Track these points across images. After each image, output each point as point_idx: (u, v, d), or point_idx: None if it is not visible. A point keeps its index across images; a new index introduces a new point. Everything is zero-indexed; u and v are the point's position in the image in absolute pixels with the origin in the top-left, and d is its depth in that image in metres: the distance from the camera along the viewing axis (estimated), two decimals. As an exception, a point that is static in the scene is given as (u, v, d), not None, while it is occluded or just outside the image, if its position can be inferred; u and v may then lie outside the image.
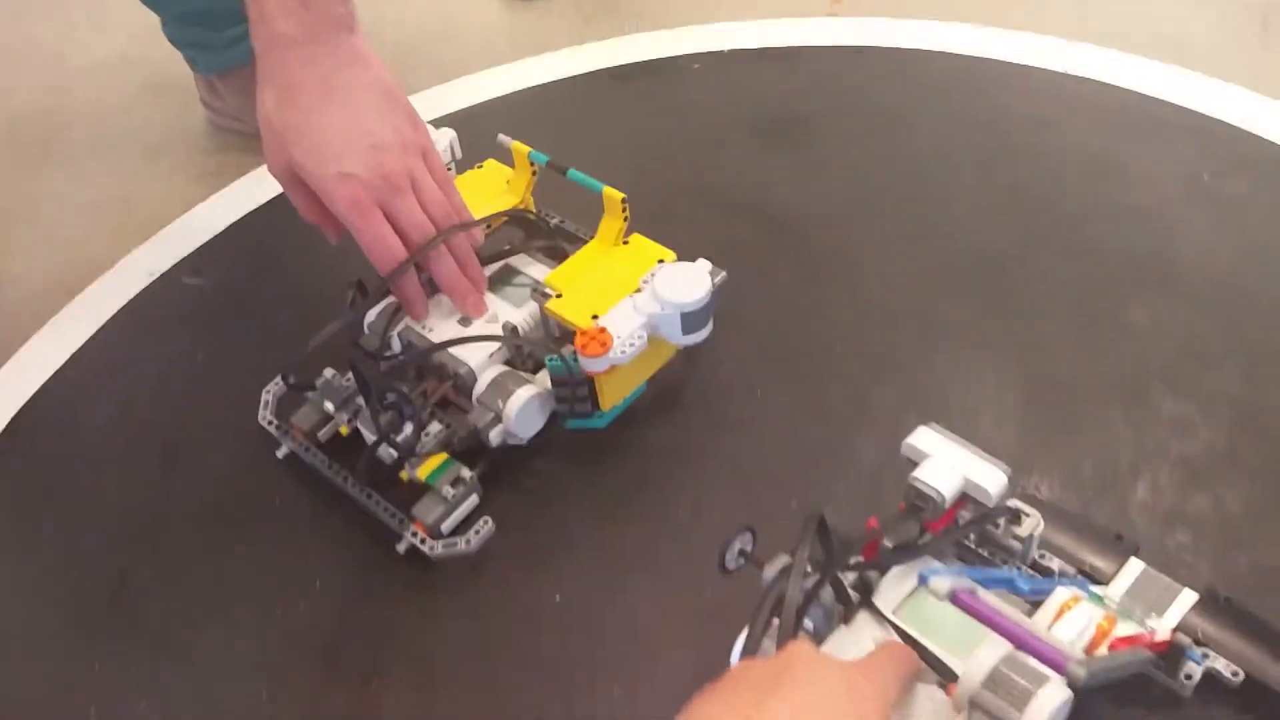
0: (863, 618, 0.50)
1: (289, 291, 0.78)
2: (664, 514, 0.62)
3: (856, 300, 0.73)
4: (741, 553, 0.50)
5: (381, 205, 0.60)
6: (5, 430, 0.71)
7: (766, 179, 0.83)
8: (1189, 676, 0.51)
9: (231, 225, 0.85)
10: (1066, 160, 0.82)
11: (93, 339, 0.77)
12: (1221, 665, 0.51)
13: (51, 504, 0.68)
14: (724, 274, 0.63)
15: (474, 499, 0.61)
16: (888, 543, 0.53)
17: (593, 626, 0.58)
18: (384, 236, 0.60)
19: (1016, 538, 0.53)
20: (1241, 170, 0.79)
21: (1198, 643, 0.51)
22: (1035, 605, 0.51)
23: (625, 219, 0.65)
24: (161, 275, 0.82)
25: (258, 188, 0.88)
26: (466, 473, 0.61)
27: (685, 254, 0.63)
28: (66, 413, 0.73)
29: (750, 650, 0.47)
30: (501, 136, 0.69)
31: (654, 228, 0.66)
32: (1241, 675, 0.51)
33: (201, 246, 0.84)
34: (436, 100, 0.92)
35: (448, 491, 0.60)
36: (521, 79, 0.94)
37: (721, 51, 0.94)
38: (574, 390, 0.61)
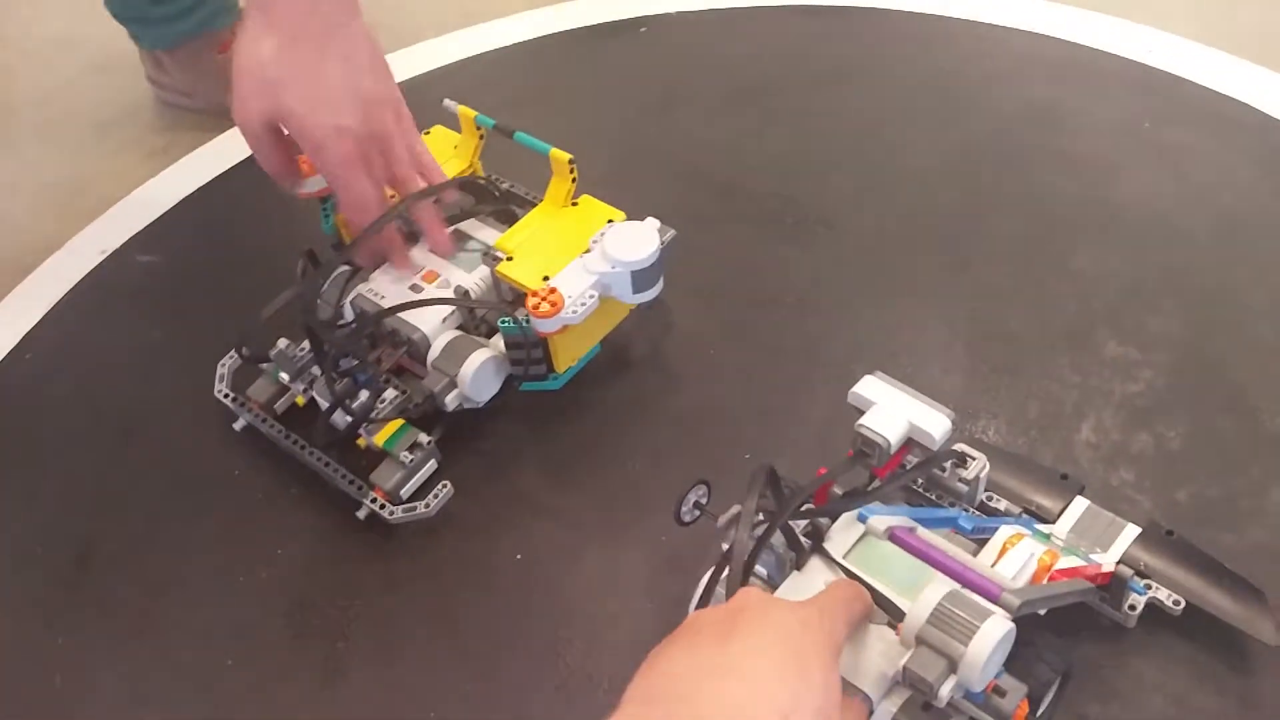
0: (815, 563, 0.51)
1: (242, 265, 0.78)
2: (621, 470, 0.63)
3: (806, 256, 0.74)
4: (697, 505, 0.51)
5: (366, 160, 0.61)
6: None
7: (715, 139, 0.83)
8: (1133, 607, 0.52)
9: (182, 201, 0.85)
10: (1013, 113, 0.83)
11: (46, 318, 0.77)
12: (1164, 595, 0.53)
13: (12, 480, 0.68)
14: (673, 232, 0.64)
15: (432, 464, 0.62)
16: (837, 490, 0.54)
17: (554, 583, 0.59)
18: (366, 193, 0.61)
19: (963, 480, 0.54)
20: (1181, 118, 0.81)
21: (1140, 575, 0.53)
22: (981, 544, 0.52)
23: (573, 180, 0.65)
24: (113, 253, 0.81)
25: (208, 163, 0.87)
26: (424, 438, 0.61)
27: (635, 215, 0.64)
28: (23, 392, 0.73)
29: (705, 601, 0.48)
30: (447, 102, 0.69)
31: (605, 190, 0.66)
32: (1183, 604, 0.52)
33: (153, 223, 0.83)
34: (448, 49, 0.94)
35: (405, 457, 0.60)
36: (470, 46, 0.94)
37: (670, 14, 0.94)
38: (529, 352, 0.62)
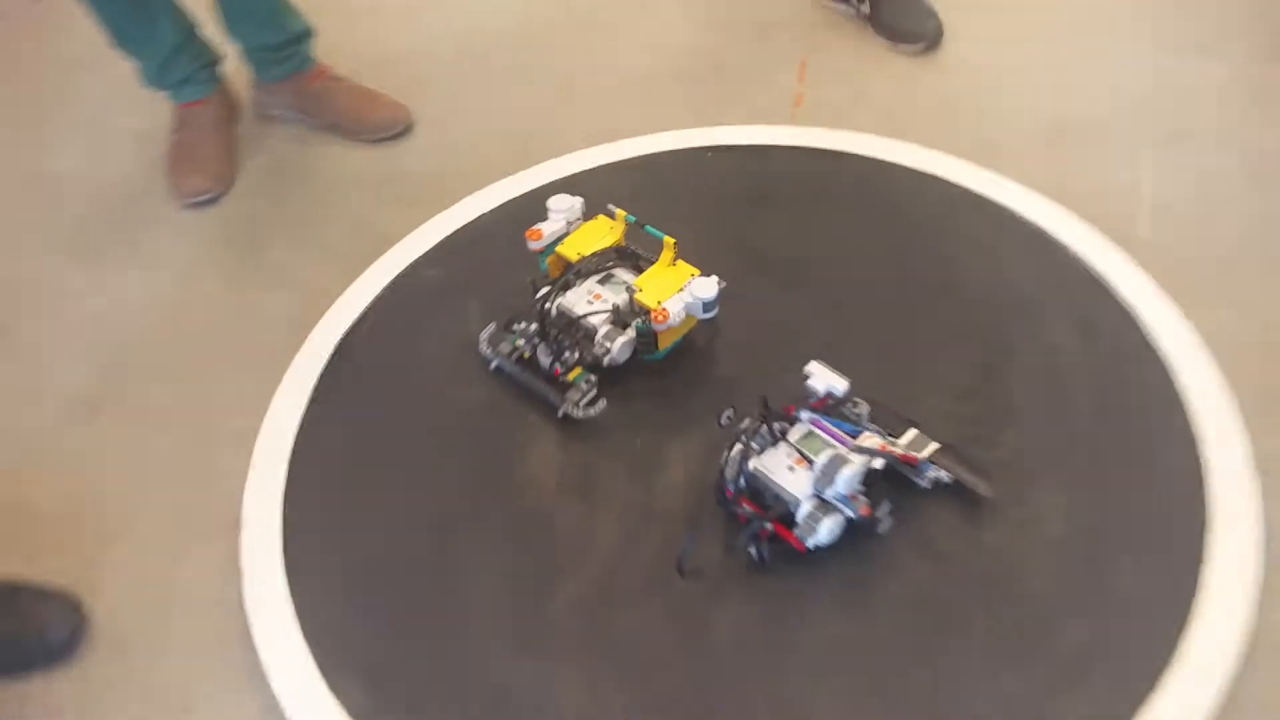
0: (783, 445, 1.11)
1: (492, 280, 1.39)
2: (688, 398, 1.24)
3: (798, 306, 1.34)
4: (727, 417, 1.11)
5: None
6: (335, 351, 1.33)
7: (746, 237, 1.43)
8: (927, 479, 1.12)
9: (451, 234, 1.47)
10: (923, 229, 1.42)
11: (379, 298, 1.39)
12: (944, 475, 1.12)
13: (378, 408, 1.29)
14: (725, 283, 1.24)
15: (595, 390, 1.23)
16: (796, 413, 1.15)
17: (652, 454, 1.19)
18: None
19: (855, 413, 1.15)
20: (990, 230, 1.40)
21: (932, 461, 1.13)
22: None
23: (675, 252, 1.26)
24: (407, 268, 1.43)
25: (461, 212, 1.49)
26: (592, 377, 1.22)
27: (705, 272, 1.24)
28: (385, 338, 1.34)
29: (725, 462, 1.09)
30: (610, 206, 1.30)
31: (687, 255, 1.27)
32: (951, 478, 1.12)
33: (433, 247, 1.45)
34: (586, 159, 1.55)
35: (583, 384, 1.21)
36: (608, 155, 1.55)
37: (724, 145, 1.55)
38: (647, 339, 1.23)
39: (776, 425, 1.11)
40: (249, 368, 1.37)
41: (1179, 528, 1.08)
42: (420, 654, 1.05)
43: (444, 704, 1.01)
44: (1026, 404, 1.20)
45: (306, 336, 1.36)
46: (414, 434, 1.24)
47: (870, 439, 1.10)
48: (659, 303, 1.21)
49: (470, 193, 1.53)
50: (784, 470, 1.08)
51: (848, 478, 1.03)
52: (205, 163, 1.61)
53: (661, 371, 1.27)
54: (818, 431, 1.10)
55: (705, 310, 1.22)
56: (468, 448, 1.22)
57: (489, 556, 1.12)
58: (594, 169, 1.53)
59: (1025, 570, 1.06)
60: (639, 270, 1.28)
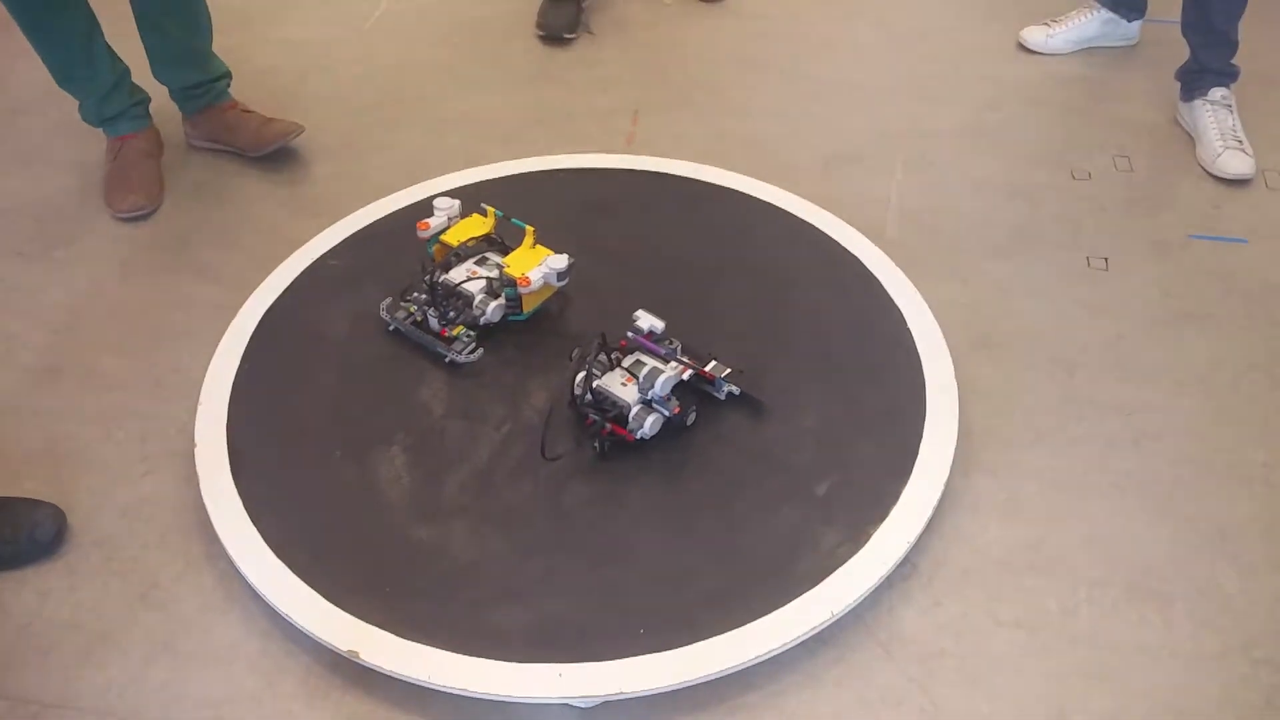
0: (618, 370, 1.49)
1: (389, 266, 1.74)
2: (546, 347, 1.60)
3: (632, 279, 1.74)
4: (576, 351, 1.49)
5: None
6: (261, 322, 1.65)
7: (591, 231, 1.83)
8: (723, 392, 1.52)
9: (351, 236, 1.81)
10: (725, 228, 1.85)
11: (294, 283, 1.72)
12: (734, 388, 1.52)
13: (300, 360, 1.62)
14: (573, 260, 1.62)
15: (474, 343, 1.59)
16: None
17: (519, 387, 1.55)
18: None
19: (670, 348, 1.54)
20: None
21: (726, 380, 1.52)
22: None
23: (534, 238, 1.64)
24: (318, 259, 1.77)
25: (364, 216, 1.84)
26: (471, 333, 1.58)
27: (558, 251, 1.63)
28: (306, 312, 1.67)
29: (572, 382, 1.47)
30: (482, 204, 1.68)
31: (544, 245, 1.65)
32: (739, 390, 1.52)
33: (341, 243, 1.79)
34: (463, 179, 1.92)
35: (464, 338, 1.57)
36: (489, 173, 1.93)
37: (573, 169, 1.96)
38: (514, 303, 1.60)
39: (612, 354, 1.50)
40: (185, 339, 1.68)
41: (904, 420, 1.50)
42: (347, 525, 1.38)
43: (369, 556, 1.34)
44: (795, 342, 1.62)
45: (234, 315, 1.68)
46: (330, 379, 1.57)
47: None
48: (523, 272, 1.58)
49: (364, 205, 1.88)
50: (618, 385, 1.46)
51: (663, 382, 1.42)
52: (138, 184, 1.92)
53: (527, 330, 1.64)
54: (642, 358, 1.49)
55: (559, 279, 1.60)
56: (373, 388, 1.56)
57: (395, 459, 1.45)
58: (467, 185, 1.90)
59: (790, 450, 1.47)
60: (506, 253, 1.65)
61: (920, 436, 1.48)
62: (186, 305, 1.76)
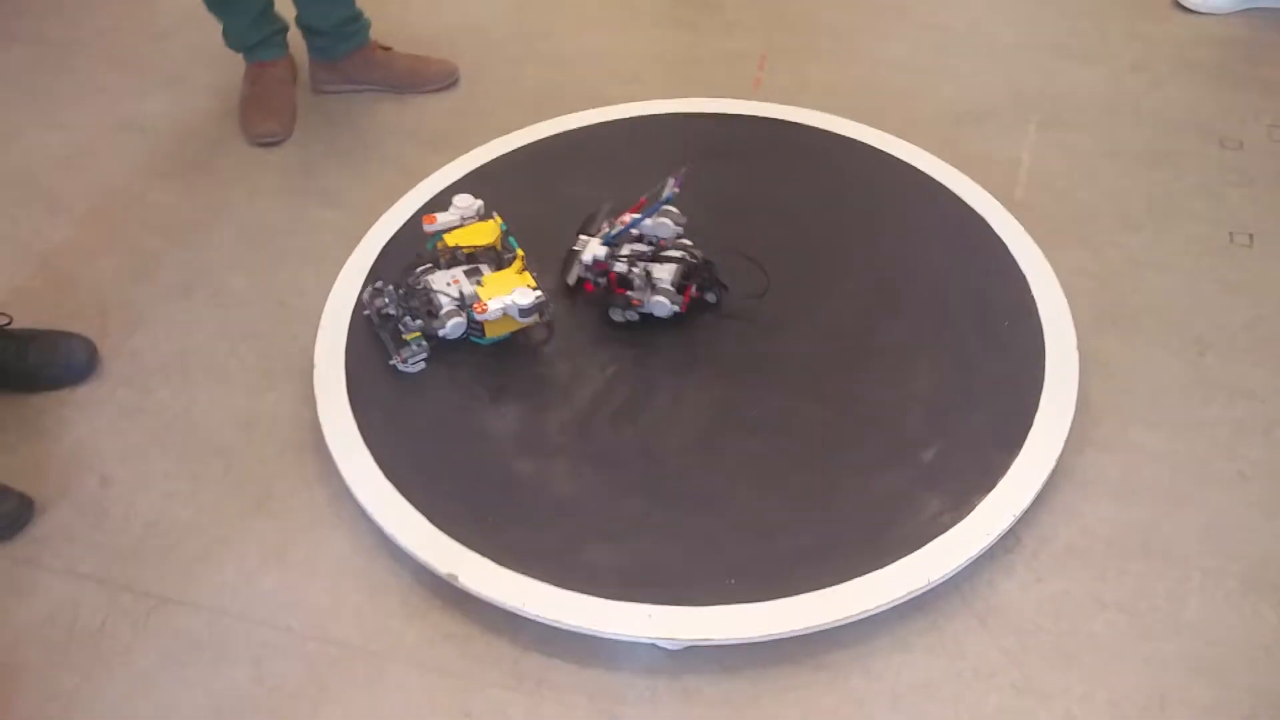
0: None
1: (504, 206, 1.75)
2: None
3: (742, 226, 1.72)
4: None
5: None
6: (381, 253, 1.69)
7: (709, 178, 1.81)
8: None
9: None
10: (851, 180, 1.81)
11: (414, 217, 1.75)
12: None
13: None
14: (545, 300, 1.45)
15: (424, 353, 1.49)
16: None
17: (620, 332, 1.56)
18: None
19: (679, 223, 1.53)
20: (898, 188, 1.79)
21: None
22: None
23: (524, 263, 1.48)
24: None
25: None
26: (424, 342, 1.47)
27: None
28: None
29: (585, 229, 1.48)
30: (494, 213, 1.60)
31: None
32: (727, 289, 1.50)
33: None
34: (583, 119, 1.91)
35: (415, 346, 1.48)
36: (610, 115, 1.93)
37: (696, 113, 1.93)
38: (477, 326, 1.48)
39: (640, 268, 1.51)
40: (309, 264, 1.73)
41: (1020, 389, 1.46)
42: (454, 454, 1.41)
43: (473, 485, 1.37)
44: (912, 302, 1.59)
45: (357, 243, 1.72)
46: (445, 312, 1.60)
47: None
48: (489, 298, 1.45)
49: (487, 141, 1.90)
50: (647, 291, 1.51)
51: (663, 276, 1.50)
52: (273, 111, 1.97)
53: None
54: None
55: (521, 315, 1.45)
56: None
57: (504, 394, 1.48)
58: (589, 125, 1.90)
59: (899, 412, 1.44)
60: (502, 266, 1.52)
61: (1036, 408, 1.43)
62: (311, 230, 1.81)
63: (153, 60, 2.22)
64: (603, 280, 1.53)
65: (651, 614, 1.23)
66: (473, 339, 1.50)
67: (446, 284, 1.50)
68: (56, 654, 1.30)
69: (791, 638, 1.23)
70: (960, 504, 1.33)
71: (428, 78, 2.05)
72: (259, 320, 1.66)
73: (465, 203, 1.57)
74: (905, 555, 1.28)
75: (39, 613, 1.33)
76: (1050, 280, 1.61)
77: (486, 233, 1.55)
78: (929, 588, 1.26)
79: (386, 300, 1.51)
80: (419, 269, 1.52)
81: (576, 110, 1.95)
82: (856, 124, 1.89)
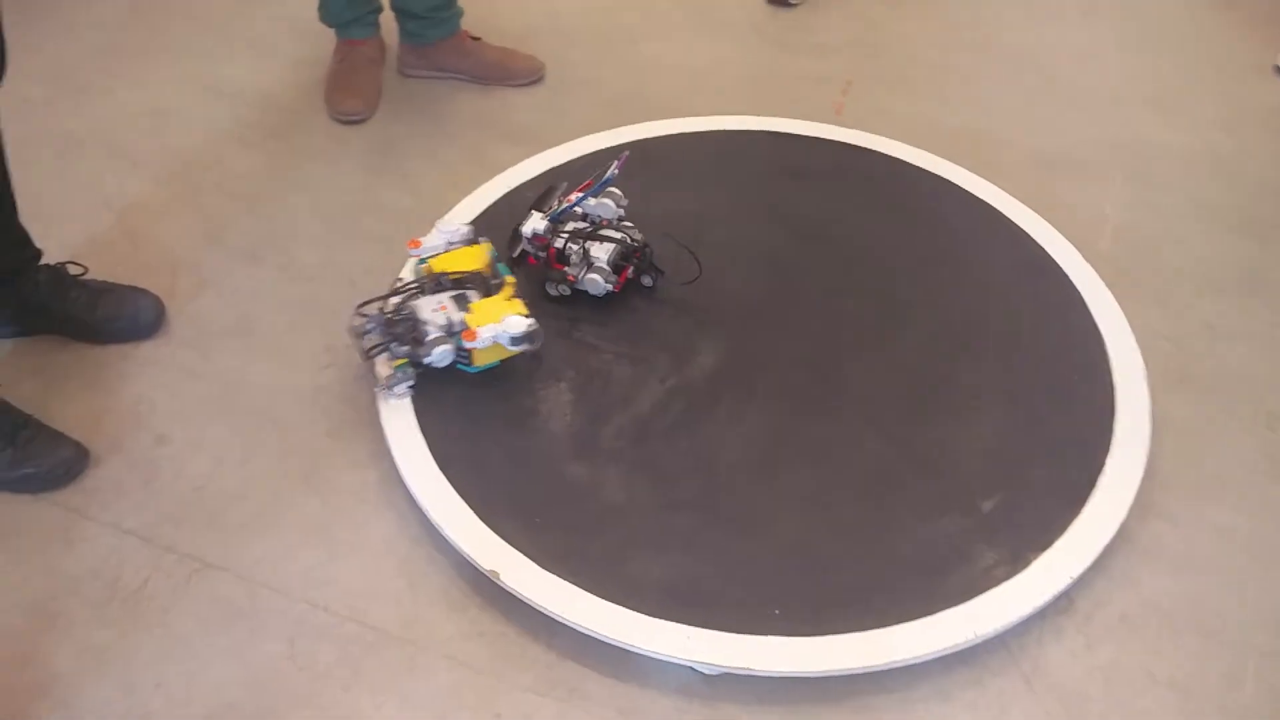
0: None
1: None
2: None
3: (813, 250, 1.69)
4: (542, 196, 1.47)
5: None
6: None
7: (782, 199, 1.79)
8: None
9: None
10: (927, 216, 1.78)
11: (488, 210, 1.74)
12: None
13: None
14: (536, 328, 1.39)
15: (410, 382, 1.42)
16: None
17: (686, 342, 1.54)
18: None
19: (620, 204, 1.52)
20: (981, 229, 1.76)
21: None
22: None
23: (513, 290, 1.42)
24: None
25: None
26: (410, 370, 1.40)
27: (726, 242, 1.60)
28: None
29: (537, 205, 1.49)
30: (482, 238, 1.54)
31: (737, 207, 1.62)
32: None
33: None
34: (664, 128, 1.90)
35: (399, 374, 1.41)
36: (690, 126, 1.91)
37: (776, 132, 1.91)
38: (465, 354, 1.39)
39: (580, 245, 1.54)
40: (379, 243, 1.74)
41: (1087, 448, 1.42)
42: (506, 450, 1.40)
43: (523, 483, 1.36)
44: (983, 347, 1.55)
45: (428, 230, 1.70)
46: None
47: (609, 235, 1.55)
48: (479, 325, 1.39)
49: (566, 140, 1.89)
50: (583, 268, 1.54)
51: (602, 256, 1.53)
52: (358, 90, 1.98)
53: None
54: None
55: (513, 344, 1.41)
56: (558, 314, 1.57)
57: (562, 394, 1.47)
58: (668, 135, 1.89)
59: (960, 457, 1.41)
60: (491, 293, 1.45)
61: (1101, 468, 1.40)
62: (384, 212, 1.81)
63: (242, 27, 2.24)
64: (543, 255, 1.56)
65: (691, 636, 1.21)
66: (460, 367, 1.45)
67: (433, 310, 1.43)
68: (96, 607, 1.30)
69: (832, 676, 1.21)
70: (1016, 559, 1.30)
71: (513, 72, 2.05)
72: (325, 295, 1.66)
73: (451, 228, 1.53)
74: (956, 605, 1.25)
75: (83, 565, 1.34)
76: (1126, 338, 1.57)
77: (475, 258, 1.49)
78: (977, 641, 1.23)
79: (370, 327, 1.44)
80: (404, 294, 1.46)
81: (656, 118, 1.94)
82: (939, 159, 1.86)
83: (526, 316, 1.41)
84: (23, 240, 1.54)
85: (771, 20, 2.31)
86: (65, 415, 1.48)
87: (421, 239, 1.52)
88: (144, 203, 1.83)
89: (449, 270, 1.47)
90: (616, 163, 1.52)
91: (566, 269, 1.55)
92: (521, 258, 1.59)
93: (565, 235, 1.55)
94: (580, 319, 1.57)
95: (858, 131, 1.92)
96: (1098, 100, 2.11)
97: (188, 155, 1.92)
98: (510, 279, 1.47)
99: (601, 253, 1.54)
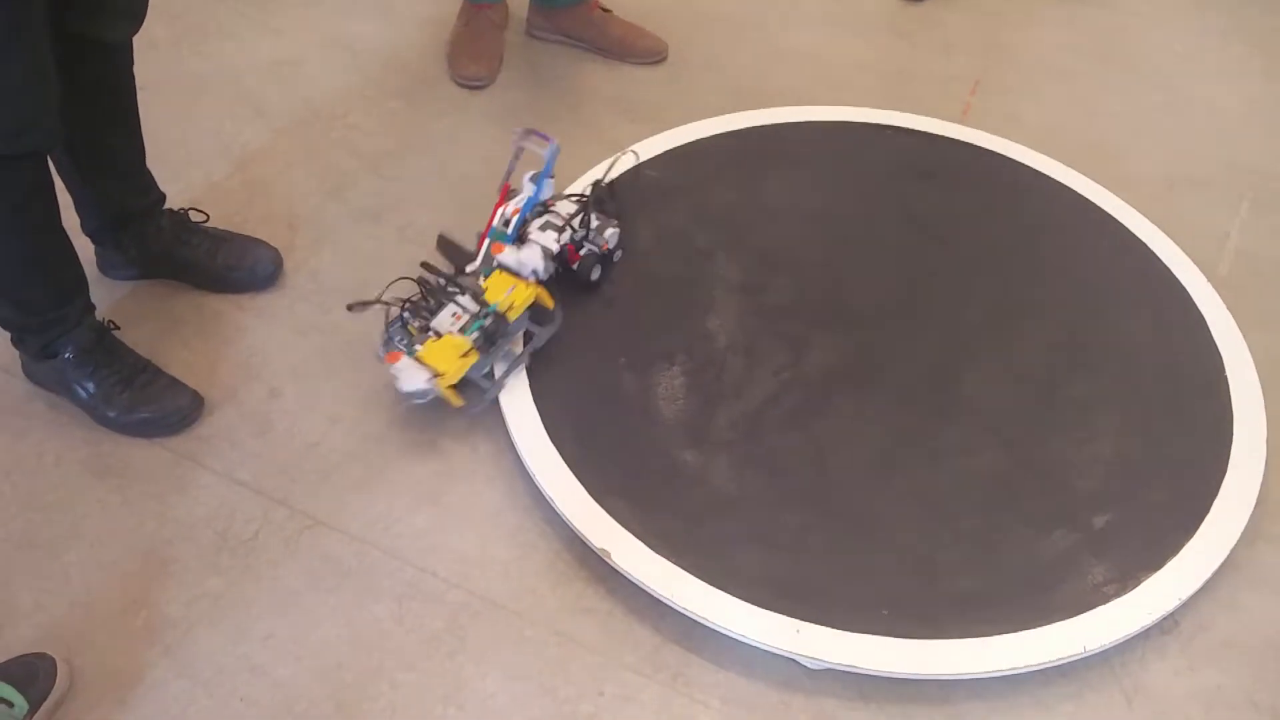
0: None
1: (696, 189, 1.74)
2: (818, 309, 1.58)
3: (929, 249, 1.68)
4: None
5: None
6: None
7: (901, 196, 1.77)
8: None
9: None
10: (1042, 225, 1.75)
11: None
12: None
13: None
14: (434, 392, 1.38)
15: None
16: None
17: (800, 337, 1.54)
18: None
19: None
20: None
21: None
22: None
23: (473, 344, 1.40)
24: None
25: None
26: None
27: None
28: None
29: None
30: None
31: (853, 200, 1.61)
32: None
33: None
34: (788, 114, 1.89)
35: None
36: (814, 114, 1.90)
37: (901, 128, 1.89)
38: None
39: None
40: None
41: (1202, 472, 1.40)
42: (620, 431, 1.42)
43: (636, 465, 1.37)
44: (1101, 364, 1.53)
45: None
46: (627, 288, 1.59)
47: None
48: (396, 359, 1.39)
49: (687, 122, 1.88)
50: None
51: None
52: (481, 55, 1.99)
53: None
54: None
55: (404, 396, 1.40)
56: (665, 305, 1.58)
57: (675, 379, 1.48)
58: (790, 122, 1.88)
59: (1076, 473, 1.40)
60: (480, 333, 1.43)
61: (1216, 492, 1.38)
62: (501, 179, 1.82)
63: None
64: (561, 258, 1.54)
65: (801, 630, 1.22)
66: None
67: (451, 318, 1.44)
68: (208, 555, 1.33)
69: (935, 680, 1.21)
70: (1126, 577, 1.29)
71: (637, 50, 2.04)
72: (442, 260, 1.68)
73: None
74: (1063, 619, 1.25)
75: (196, 512, 1.37)
76: (1246, 363, 1.54)
77: (522, 297, 1.45)
78: (1082, 656, 1.22)
79: (407, 316, 1.45)
80: (423, 298, 1.46)
81: (779, 105, 1.92)
82: (1065, 168, 1.83)
83: (435, 376, 1.37)
84: (149, 184, 1.57)
85: (902, 13, 2.27)
86: (179, 361, 1.52)
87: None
88: (265, 153, 1.86)
89: (492, 299, 1.44)
90: (516, 137, 1.57)
91: (589, 245, 1.56)
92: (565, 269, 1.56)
93: (556, 229, 1.53)
94: (696, 309, 1.58)
95: (984, 133, 1.89)
96: (1227, 121, 2.05)
97: (310, 107, 1.95)
98: (469, 342, 1.41)
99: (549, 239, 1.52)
